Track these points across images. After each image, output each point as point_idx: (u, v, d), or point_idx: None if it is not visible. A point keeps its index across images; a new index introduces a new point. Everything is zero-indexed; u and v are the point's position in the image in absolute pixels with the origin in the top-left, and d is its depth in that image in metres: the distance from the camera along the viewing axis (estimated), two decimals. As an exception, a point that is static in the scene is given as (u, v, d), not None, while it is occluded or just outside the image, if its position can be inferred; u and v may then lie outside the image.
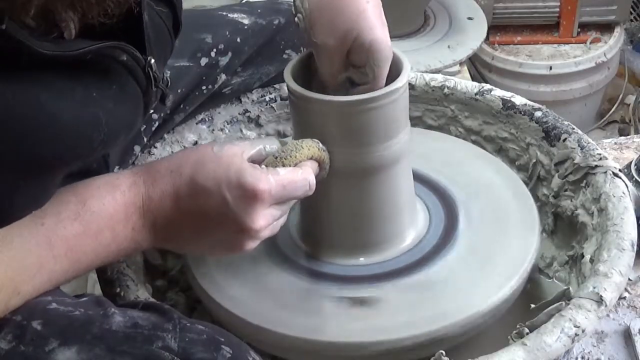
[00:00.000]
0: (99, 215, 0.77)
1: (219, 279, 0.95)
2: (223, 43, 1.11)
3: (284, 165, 0.82)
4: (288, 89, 0.91)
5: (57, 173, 0.74)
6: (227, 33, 1.12)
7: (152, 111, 1.04)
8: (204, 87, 1.12)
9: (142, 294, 0.89)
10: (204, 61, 1.10)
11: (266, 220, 0.80)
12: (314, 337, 0.87)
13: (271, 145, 0.85)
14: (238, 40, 1.12)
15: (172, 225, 0.81)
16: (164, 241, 0.83)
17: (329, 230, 0.97)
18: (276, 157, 0.83)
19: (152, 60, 0.79)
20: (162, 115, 1.09)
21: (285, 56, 1.17)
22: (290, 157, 0.83)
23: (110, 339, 0.71)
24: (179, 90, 1.08)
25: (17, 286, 0.72)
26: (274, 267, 0.96)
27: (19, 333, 0.71)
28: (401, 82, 0.89)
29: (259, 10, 1.17)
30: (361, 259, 0.96)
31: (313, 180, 0.83)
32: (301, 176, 0.82)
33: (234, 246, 0.82)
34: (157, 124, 1.09)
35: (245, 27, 1.14)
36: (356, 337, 0.87)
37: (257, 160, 0.82)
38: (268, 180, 0.78)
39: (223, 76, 1.12)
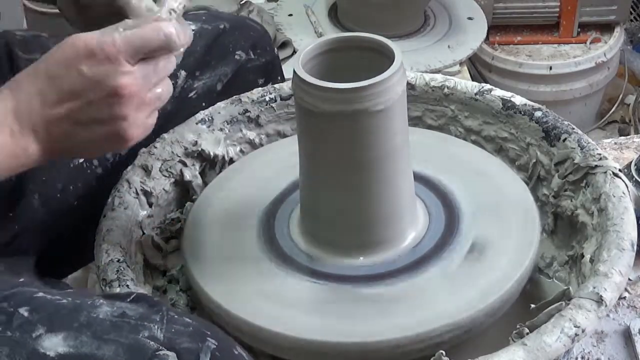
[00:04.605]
0: None
1: (219, 279, 0.95)
2: None
3: None
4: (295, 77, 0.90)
5: None
6: None
7: None
8: (191, 94, 1.16)
9: (142, 294, 0.89)
10: None
11: (133, 79, 0.79)
12: (314, 337, 0.87)
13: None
14: None
15: (51, 124, 0.80)
16: (53, 147, 0.82)
17: (328, 229, 0.97)
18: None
19: None
20: None
21: (237, 57, 1.22)
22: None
23: (97, 327, 0.72)
24: None
25: None
26: (274, 266, 0.96)
27: (5, 319, 0.71)
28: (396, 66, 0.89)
29: (204, 18, 1.22)
30: (361, 258, 0.96)
31: (169, 29, 0.80)
32: (150, 26, 0.79)
33: (114, 128, 0.80)
34: None
35: (193, 31, 1.15)
36: (356, 337, 0.87)
37: None
38: (110, 35, 0.77)
39: (183, 72, 1.15)
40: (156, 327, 0.72)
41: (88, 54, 0.77)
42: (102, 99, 0.78)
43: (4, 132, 0.78)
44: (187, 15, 1.21)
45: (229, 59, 1.21)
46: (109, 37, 0.77)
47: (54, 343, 0.70)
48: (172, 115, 1.15)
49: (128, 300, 0.77)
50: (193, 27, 1.18)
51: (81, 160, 1.08)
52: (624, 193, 0.98)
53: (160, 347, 0.71)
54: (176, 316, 0.75)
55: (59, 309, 0.73)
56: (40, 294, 0.75)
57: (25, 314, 0.72)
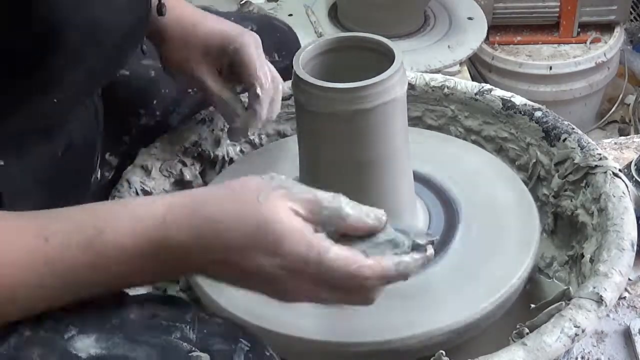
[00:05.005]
0: (114, 249, 0.70)
1: (219, 279, 0.95)
2: None
3: None
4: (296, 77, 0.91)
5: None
6: None
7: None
8: (189, 90, 1.15)
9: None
10: None
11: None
12: (314, 337, 0.87)
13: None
14: None
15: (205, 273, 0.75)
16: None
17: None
18: None
19: None
20: (148, 111, 1.12)
21: None
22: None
23: (129, 328, 0.71)
24: (163, 91, 1.11)
25: None
26: (274, 267, 0.96)
27: (37, 320, 0.71)
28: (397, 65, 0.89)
29: (232, 19, 1.21)
30: (361, 259, 0.96)
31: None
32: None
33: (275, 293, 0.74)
34: (144, 119, 1.12)
35: None
36: (356, 337, 0.87)
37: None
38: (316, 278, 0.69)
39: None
40: (188, 327, 0.72)
41: (292, 267, 0.68)
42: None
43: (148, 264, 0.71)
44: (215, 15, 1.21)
45: None
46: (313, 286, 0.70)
47: (86, 344, 0.70)
48: (199, 107, 1.16)
49: (156, 300, 0.77)
50: None
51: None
52: (624, 193, 0.98)
53: (193, 349, 0.70)
54: (207, 317, 0.74)
55: (90, 309, 0.73)
56: None
57: (58, 314, 0.72)
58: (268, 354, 0.75)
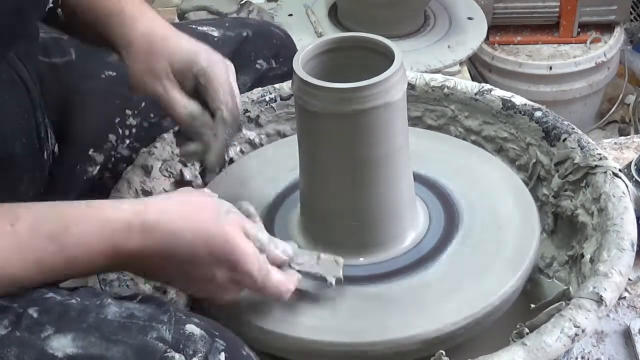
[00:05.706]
0: (79, 245, 0.75)
1: (218, 279, 0.95)
2: None
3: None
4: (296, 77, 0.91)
5: None
6: None
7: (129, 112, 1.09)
8: None
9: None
10: None
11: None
12: (313, 337, 0.87)
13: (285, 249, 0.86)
14: None
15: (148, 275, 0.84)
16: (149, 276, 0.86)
17: (328, 230, 0.97)
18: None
19: None
20: (136, 112, 1.11)
21: (257, 66, 1.21)
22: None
23: (106, 328, 0.72)
24: None
25: None
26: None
27: (14, 319, 0.72)
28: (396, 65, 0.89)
29: (227, 24, 1.22)
30: (361, 259, 0.96)
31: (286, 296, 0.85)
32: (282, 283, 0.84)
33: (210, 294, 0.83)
34: (132, 120, 1.11)
35: (215, 38, 1.17)
36: (356, 337, 0.87)
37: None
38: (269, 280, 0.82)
39: None
40: (164, 328, 0.73)
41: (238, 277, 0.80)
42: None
43: (107, 263, 0.77)
44: (211, 20, 1.20)
45: (250, 68, 1.20)
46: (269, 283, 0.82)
47: (62, 344, 0.70)
48: None
49: (136, 300, 0.77)
50: (215, 33, 1.18)
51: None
52: (624, 193, 0.98)
53: (169, 349, 0.71)
54: (184, 317, 0.75)
55: (67, 309, 0.73)
56: (50, 295, 0.75)
57: (35, 314, 0.72)
58: (245, 353, 0.75)
